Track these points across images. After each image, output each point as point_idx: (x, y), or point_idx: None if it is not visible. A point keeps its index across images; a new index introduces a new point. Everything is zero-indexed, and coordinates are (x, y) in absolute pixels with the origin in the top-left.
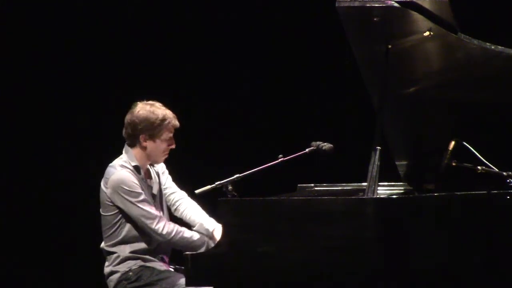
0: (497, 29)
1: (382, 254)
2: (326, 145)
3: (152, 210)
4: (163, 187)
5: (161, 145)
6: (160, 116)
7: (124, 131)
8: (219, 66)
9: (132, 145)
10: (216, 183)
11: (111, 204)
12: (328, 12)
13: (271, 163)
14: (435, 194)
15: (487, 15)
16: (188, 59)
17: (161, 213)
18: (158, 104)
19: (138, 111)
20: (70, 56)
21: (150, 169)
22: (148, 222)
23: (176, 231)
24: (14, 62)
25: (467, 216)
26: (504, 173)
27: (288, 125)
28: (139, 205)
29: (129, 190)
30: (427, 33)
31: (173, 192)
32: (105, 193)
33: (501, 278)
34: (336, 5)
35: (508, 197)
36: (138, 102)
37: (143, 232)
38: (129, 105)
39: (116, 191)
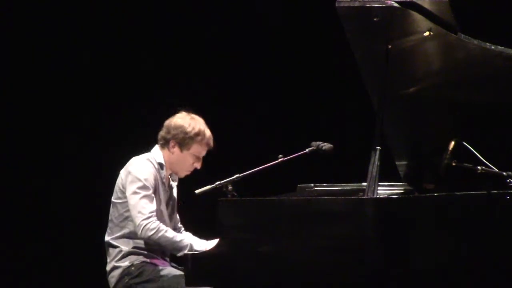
0: (497, 29)
1: (382, 254)
2: (326, 145)
3: (148, 206)
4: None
5: (187, 158)
6: (196, 130)
7: (160, 132)
8: (219, 67)
9: (162, 147)
10: (216, 183)
11: (124, 190)
12: (328, 12)
13: (271, 163)
14: (435, 194)
15: (487, 15)
16: (188, 60)
17: (170, 224)
18: (199, 119)
19: (177, 118)
20: (82, 56)
21: (172, 184)
22: (138, 215)
23: (158, 229)
24: (29, 61)
25: (467, 216)
26: (504, 173)
27: (288, 125)
28: (139, 197)
29: (139, 180)
30: (427, 33)
31: (177, 226)
32: (122, 179)
33: (501, 278)
34: (336, 5)
35: (508, 197)
36: (182, 111)
37: None
38: (126, 106)
39: (129, 177)
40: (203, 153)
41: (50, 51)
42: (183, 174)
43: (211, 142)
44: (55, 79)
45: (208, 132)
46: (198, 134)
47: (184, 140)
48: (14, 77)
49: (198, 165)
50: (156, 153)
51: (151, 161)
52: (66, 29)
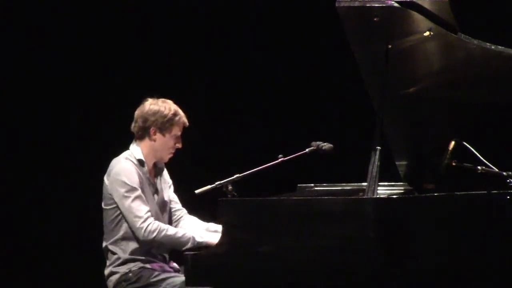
0: (497, 29)
1: (382, 254)
2: (326, 145)
3: (142, 208)
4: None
5: (169, 141)
6: (172, 111)
7: (133, 125)
8: (219, 66)
9: (141, 139)
10: (216, 183)
11: (111, 196)
12: (328, 12)
13: (271, 163)
14: (435, 194)
15: (487, 15)
16: (188, 59)
17: (162, 217)
18: (169, 101)
19: (150, 105)
20: (73, 53)
21: (157, 173)
22: (135, 219)
23: (160, 229)
24: (22, 60)
25: (467, 216)
26: (504, 173)
27: (288, 125)
28: (131, 200)
29: (125, 183)
30: (427, 33)
31: (178, 209)
32: (107, 185)
33: (501, 278)
34: (336, 5)
35: (508, 197)
36: (149, 98)
37: None
38: (121, 103)
39: (114, 182)
40: (180, 132)
41: (49, 51)
42: (167, 158)
43: (186, 120)
44: (55, 79)
45: (181, 111)
46: (175, 114)
47: (164, 124)
48: (14, 77)
49: (179, 145)
50: (134, 150)
51: (130, 159)
52: (66, 30)
